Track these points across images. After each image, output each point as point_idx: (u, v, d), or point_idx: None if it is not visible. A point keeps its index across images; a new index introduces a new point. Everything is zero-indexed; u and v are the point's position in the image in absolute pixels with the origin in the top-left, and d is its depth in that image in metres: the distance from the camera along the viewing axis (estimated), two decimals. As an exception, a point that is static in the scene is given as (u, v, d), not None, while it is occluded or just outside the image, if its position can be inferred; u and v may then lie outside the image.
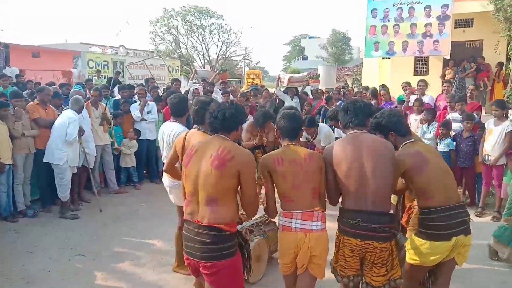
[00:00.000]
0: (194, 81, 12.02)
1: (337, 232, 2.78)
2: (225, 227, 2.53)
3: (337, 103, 8.82)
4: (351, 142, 2.77)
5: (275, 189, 2.82)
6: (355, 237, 2.64)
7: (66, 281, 4.07)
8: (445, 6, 12.28)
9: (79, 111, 6.01)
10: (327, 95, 10.16)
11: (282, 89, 10.21)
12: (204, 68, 35.45)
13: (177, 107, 4.09)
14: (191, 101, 6.19)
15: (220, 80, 12.72)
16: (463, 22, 13.64)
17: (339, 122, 3.02)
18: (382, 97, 8.41)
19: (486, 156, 5.84)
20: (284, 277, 2.87)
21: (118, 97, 8.20)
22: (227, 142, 2.62)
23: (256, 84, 15.25)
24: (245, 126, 5.87)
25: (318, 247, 2.69)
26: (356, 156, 2.69)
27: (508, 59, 12.22)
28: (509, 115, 6.13)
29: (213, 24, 38.09)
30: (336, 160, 2.73)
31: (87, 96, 7.43)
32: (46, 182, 6.07)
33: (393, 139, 3.01)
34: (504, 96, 11.05)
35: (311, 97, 10.35)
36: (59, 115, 6.04)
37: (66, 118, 5.79)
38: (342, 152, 2.73)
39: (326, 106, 8.88)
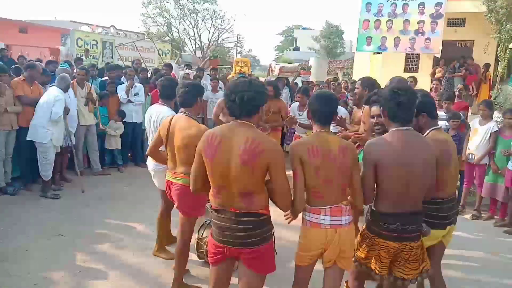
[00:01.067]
0: (178, 65, 11.92)
1: (367, 232, 2.76)
2: (263, 211, 2.51)
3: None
4: (399, 142, 2.59)
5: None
6: (393, 240, 2.63)
7: (44, 261, 4.03)
8: (439, 4, 12.34)
9: (65, 89, 5.90)
10: (318, 87, 10.16)
11: (273, 79, 10.17)
12: (195, 53, 35.16)
13: (167, 89, 4.04)
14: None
15: (211, 66, 12.61)
16: (456, 22, 13.74)
17: (383, 109, 2.74)
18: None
19: (470, 155, 5.91)
20: (299, 268, 2.76)
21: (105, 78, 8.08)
22: (252, 131, 2.44)
23: (244, 72, 15.13)
24: (219, 101, 5.99)
25: (348, 241, 2.64)
26: (406, 161, 2.55)
27: (497, 61, 12.37)
28: (494, 116, 6.20)
29: (206, 9, 37.71)
30: (384, 161, 2.57)
31: (74, 74, 7.29)
32: (28, 160, 5.97)
33: (423, 121, 2.91)
34: (490, 97, 11.19)
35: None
36: (44, 92, 5.93)
37: (52, 96, 5.68)
38: (391, 154, 2.57)
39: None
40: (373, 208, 2.73)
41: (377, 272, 2.76)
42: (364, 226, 2.85)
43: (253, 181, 2.42)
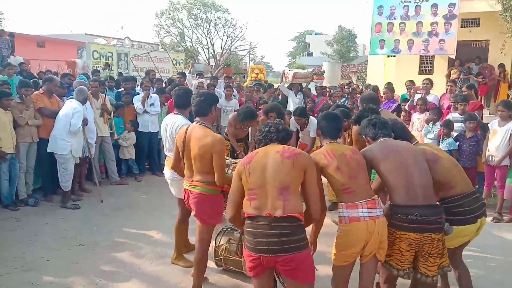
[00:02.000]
0: (191, 74, 12.03)
1: (389, 228, 2.84)
2: (299, 216, 2.56)
3: (341, 100, 8.83)
4: (387, 145, 2.99)
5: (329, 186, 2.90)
6: (413, 231, 2.74)
7: (65, 270, 4.10)
8: (452, 5, 12.20)
9: (83, 101, 6.02)
10: (330, 92, 10.16)
11: (286, 85, 10.18)
12: (209, 62, 35.42)
13: (181, 99, 4.09)
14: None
15: (224, 75, 12.70)
16: (470, 22, 13.54)
17: (365, 135, 3.20)
18: (384, 95, 8.37)
19: (490, 157, 5.80)
20: (341, 268, 2.85)
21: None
22: (286, 146, 2.77)
23: (259, 79, 15.22)
24: (230, 120, 6.11)
25: (384, 232, 2.78)
26: (397, 156, 2.89)
27: (514, 60, 12.16)
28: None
29: (218, 18, 38.02)
30: (377, 157, 2.91)
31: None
32: (48, 172, 6.09)
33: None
34: (509, 96, 10.99)
35: (314, 93, 10.32)
36: (63, 104, 6.06)
37: (71, 108, 5.80)
38: (381, 153, 2.93)
39: (330, 102, 8.87)
40: (390, 202, 2.90)
41: (399, 267, 2.83)
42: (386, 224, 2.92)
43: (292, 175, 2.58)
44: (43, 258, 4.35)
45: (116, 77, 11.07)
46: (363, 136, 3.23)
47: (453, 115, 6.65)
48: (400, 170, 2.84)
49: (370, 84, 10.68)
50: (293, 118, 6.68)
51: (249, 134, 6.65)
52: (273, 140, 2.78)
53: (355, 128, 4.25)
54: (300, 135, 6.77)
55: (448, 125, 6.27)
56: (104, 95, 6.99)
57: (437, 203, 2.99)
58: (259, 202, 2.55)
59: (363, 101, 4.84)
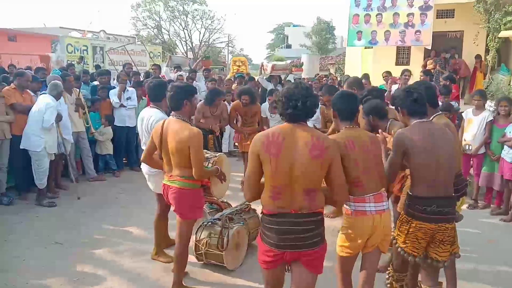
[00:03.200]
0: (169, 67, 11.91)
1: (405, 216, 2.88)
2: (321, 210, 2.56)
3: (318, 92, 8.87)
4: (425, 131, 2.83)
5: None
6: (430, 221, 2.78)
7: (42, 269, 4.00)
8: (428, -4, 12.38)
9: (57, 97, 5.86)
10: (308, 83, 10.19)
11: (266, 77, 10.17)
12: (187, 55, 35.10)
13: (154, 91, 4.02)
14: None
15: (203, 67, 12.60)
16: (445, 13, 13.78)
17: (401, 107, 2.98)
18: (364, 86, 8.41)
19: (467, 146, 5.91)
20: (345, 259, 2.86)
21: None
22: (314, 130, 2.60)
23: (242, 71, 15.14)
24: (198, 106, 6.09)
25: (388, 224, 2.82)
26: (433, 146, 2.78)
27: (487, 50, 12.43)
28: (486, 105, 6.22)
29: (196, 10, 37.64)
30: (415, 148, 2.77)
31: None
32: (22, 169, 5.93)
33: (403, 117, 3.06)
34: (483, 86, 11.24)
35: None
36: (36, 100, 5.89)
37: (44, 104, 5.64)
38: (419, 141, 2.78)
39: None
40: (410, 193, 2.89)
41: (415, 254, 2.88)
42: (402, 212, 2.97)
43: (320, 176, 2.48)
44: (19, 258, 4.23)
45: (93, 70, 10.84)
46: (398, 108, 3.03)
47: None
48: (431, 165, 2.77)
49: (349, 76, 10.74)
50: (265, 103, 6.69)
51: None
52: (300, 119, 2.51)
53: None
54: (270, 124, 6.69)
55: (448, 109, 6.31)
56: (77, 89, 6.81)
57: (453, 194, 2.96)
58: (283, 201, 2.46)
59: (350, 84, 4.97)
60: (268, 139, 2.46)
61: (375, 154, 2.82)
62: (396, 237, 2.99)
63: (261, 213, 2.61)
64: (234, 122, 6.62)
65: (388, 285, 3.21)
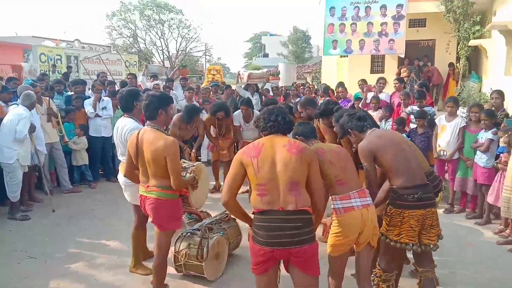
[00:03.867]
0: (145, 76, 11.83)
1: (395, 210, 3.07)
2: (309, 209, 2.66)
3: (296, 100, 8.95)
4: (381, 134, 3.23)
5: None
6: (419, 208, 3.02)
7: (15, 286, 3.87)
8: (400, 6, 12.69)
9: (30, 107, 5.71)
10: (285, 91, 10.27)
11: (243, 86, 10.20)
12: (164, 64, 34.89)
13: (125, 101, 3.94)
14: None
15: (181, 76, 12.54)
16: (417, 22, 14.15)
17: (350, 129, 3.33)
18: (340, 94, 8.54)
19: (441, 152, 6.04)
20: (338, 258, 2.98)
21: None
22: (290, 139, 2.84)
23: (217, 80, 15.16)
24: (174, 120, 6.15)
25: (375, 218, 2.95)
26: (392, 142, 3.14)
27: (458, 59, 12.81)
28: (459, 112, 6.38)
29: (172, 19, 37.58)
30: (380, 149, 3.09)
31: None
32: (-6, 182, 5.74)
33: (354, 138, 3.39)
34: (455, 93, 11.56)
35: (271, 94, 10.40)
36: (7, 111, 5.73)
37: (16, 115, 5.49)
38: (380, 142, 3.12)
39: (285, 102, 8.96)
40: (393, 186, 3.11)
41: (412, 242, 3.07)
42: (389, 207, 3.15)
43: (300, 171, 2.64)
44: (-10, 274, 4.08)
45: (58, 77, 10.67)
46: (349, 130, 3.35)
47: (413, 107, 6.86)
48: (400, 156, 3.08)
49: (326, 84, 10.88)
50: (237, 112, 6.71)
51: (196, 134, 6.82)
52: (279, 131, 2.81)
53: (322, 123, 4.77)
54: (243, 133, 6.79)
55: (401, 122, 6.47)
56: (47, 98, 6.63)
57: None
58: (270, 197, 2.60)
59: (303, 105, 5.33)
60: (249, 147, 2.75)
61: (346, 154, 3.09)
62: (387, 234, 3.13)
63: (252, 214, 2.72)
64: (210, 133, 6.73)
65: (375, 286, 3.28)
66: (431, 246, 3.13)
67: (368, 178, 3.17)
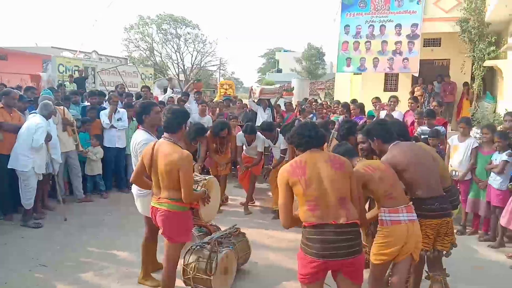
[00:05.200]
0: (170, 89, 12.02)
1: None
2: (358, 221, 2.80)
3: (309, 116, 8.98)
4: (406, 149, 3.38)
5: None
6: (435, 218, 3.26)
7: (25, 293, 3.91)
8: (415, 25, 12.70)
9: (47, 116, 5.84)
10: (301, 107, 10.27)
11: (255, 100, 10.25)
12: (179, 77, 35.29)
13: (136, 114, 4.16)
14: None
15: (195, 90, 12.68)
16: (432, 42, 14.12)
17: (376, 137, 3.48)
18: (353, 111, 8.54)
19: (453, 172, 5.98)
20: (379, 265, 3.16)
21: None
22: (329, 152, 3.09)
23: (229, 94, 15.26)
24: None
25: (419, 233, 3.14)
26: (416, 158, 3.33)
27: (472, 79, 12.73)
28: (472, 132, 6.34)
29: (188, 33, 38.13)
30: (403, 163, 3.28)
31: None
32: (8, 189, 5.84)
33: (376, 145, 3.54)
34: (469, 113, 11.45)
35: (284, 109, 10.43)
36: (25, 119, 5.86)
37: (34, 124, 5.62)
38: (403, 159, 3.30)
39: (300, 118, 8.98)
40: (412, 197, 3.31)
41: (427, 249, 3.30)
42: None
43: (346, 186, 2.80)
44: (1, 280, 4.13)
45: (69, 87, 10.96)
46: (371, 139, 3.53)
47: (422, 129, 6.83)
48: (420, 171, 3.29)
49: (340, 101, 10.88)
50: (240, 133, 6.80)
51: (197, 150, 7.00)
52: (314, 146, 2.93)
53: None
54: (244, 148, 6.95)
55: (416, 141, 6.43)
56: (62, 108, 6.75)
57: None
58: (321, 212, 2.71)
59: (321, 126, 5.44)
60: (292, 166, 2.85)
61: (393, 172, 3.21)
62: None
63: (302, 227, 2.81)
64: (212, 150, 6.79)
65: None
66: (444, 252, 3.35)
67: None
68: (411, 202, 3.20)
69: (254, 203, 7.15)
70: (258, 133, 6.73)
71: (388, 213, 3.08)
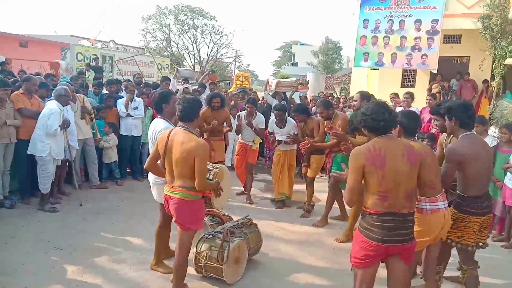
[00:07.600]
0: (175, 79, 12.05)
1: (461, 215, 3.44)
2: (414, 211, 2.97)
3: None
4: (473, 141, 3.41)
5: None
6: (483, 215, 3.42)
7: (40, 275, 4.01)
8: (435, 21, 12.49)
9: (64, 103, 5.91)
10: (314, 101, 10.21)
11: (271, 93, 10.24)
12: (194, 68, 35.40)
13: (155, 103, 4.22)
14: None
15: (210, 81, 12.71)
16: (452, 38, 13.88)
17: (453, 118, 3.45)
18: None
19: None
20: (417, 252, 3.31)
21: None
22: (404, 140, 3.16)
23: (245, 86, 15.26)
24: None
25: (450, 219, 3.39)
26: (481, 154, 3.37)
27: (492, 77, 12.49)
28: (490, 131, 6.23)
29: (205, 24, 38.17)
30: (469, 158, 3.31)
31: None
32: (27, 174, 5.97)
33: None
34: (487, 112, 11.26)
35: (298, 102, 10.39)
36: (44, 106, 5.96)
37: (48, 109, 5.70)
38: (472, 152, 3.33)
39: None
40: (464, 194, 3.43)
41: (473, 244, 3.46)
42: (455, 212, 3.48)
43: (415, 182, 2.92)
44: (19, 262, 4.24)
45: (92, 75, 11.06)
46: (450, 117, 3.49)
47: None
48: (483, 167, 3.37)
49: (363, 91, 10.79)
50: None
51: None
52: (391, 129, 2.95)
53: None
54: (242, 133, 6.82)
55: (431, 138, 6.36)
56: (82, 96, 6.83)
57: None
58: (390, 202, 2.80)
59: (325, 106, 5.74)
60: (371, 153, 2.81)
61: (434, 161, 3.34)
62: (448, 235, 3.48)
63: (366, 214, 2.88)
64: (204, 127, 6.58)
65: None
66: (481, 244, 3.49)
67: (444, 178, 3.39)
68: (457, 198, 3.40)
69: (251, 203, 6.73)
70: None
71: (428, 202, 3.24)
